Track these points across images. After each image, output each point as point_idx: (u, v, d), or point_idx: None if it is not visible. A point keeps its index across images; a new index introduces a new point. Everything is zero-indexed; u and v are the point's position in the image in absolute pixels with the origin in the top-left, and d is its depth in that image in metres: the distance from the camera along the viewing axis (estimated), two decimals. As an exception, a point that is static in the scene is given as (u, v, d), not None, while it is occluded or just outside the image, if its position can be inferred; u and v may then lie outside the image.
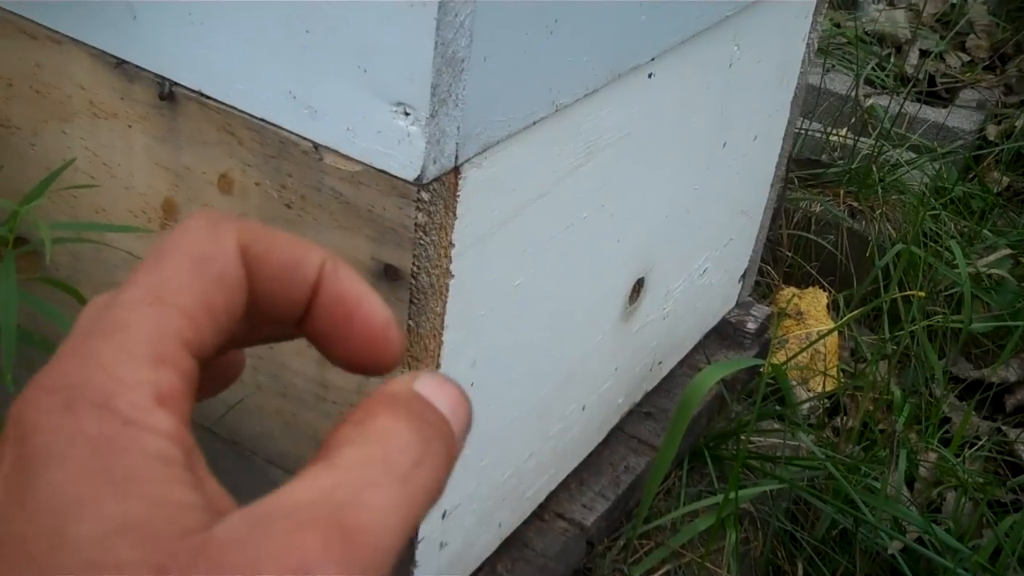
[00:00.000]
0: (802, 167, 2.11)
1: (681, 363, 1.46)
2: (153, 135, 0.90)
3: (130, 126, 0.91)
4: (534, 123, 0.88)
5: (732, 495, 1.30)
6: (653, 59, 1.00)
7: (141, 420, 0.27)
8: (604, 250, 1.08)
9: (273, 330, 0.34)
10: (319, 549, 0.26)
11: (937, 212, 2.05)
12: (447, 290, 0.86)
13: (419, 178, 0.78)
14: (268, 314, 0.33)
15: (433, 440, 0.30)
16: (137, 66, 0.88)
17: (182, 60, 0.86)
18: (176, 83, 0.87)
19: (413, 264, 0.82)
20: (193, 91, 0.86)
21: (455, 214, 0.83)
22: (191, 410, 0.29)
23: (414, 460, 0.29)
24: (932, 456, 1.65)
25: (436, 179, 0.80)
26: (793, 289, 1.92)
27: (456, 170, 0.81)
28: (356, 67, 0.77)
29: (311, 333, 0.33)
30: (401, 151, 0.78)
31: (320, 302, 0.32)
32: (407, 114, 0.77)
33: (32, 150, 0.98)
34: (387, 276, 0.83)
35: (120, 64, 0.89)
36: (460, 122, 0.79)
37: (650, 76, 1.01)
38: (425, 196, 0.80)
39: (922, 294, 1.83)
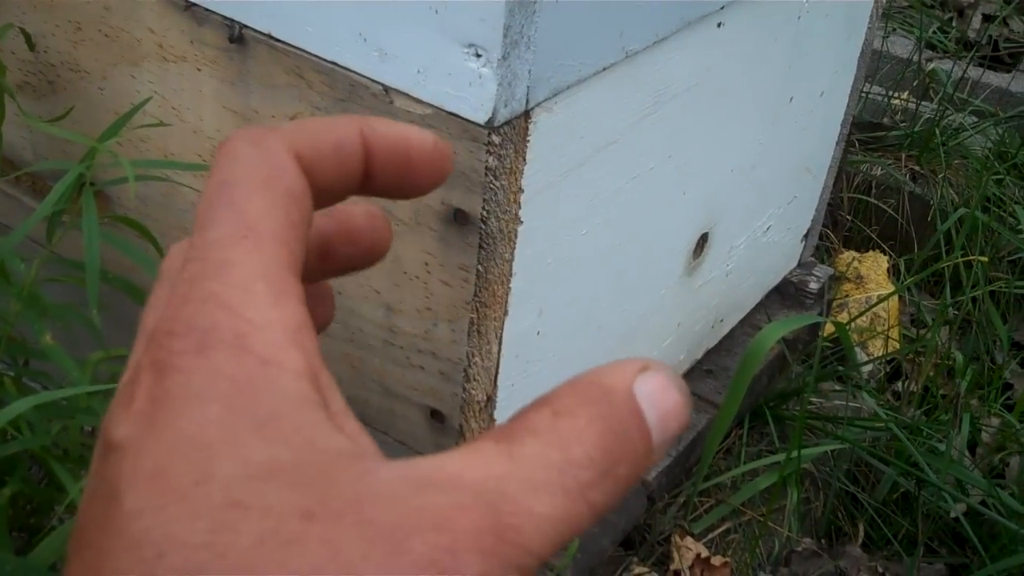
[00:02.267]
0: (863, 130, 2.08)
1: (742, 322, 1.45)
2: (222, 78, 0.90)
3: (199, 69, 0.91)
4: (604, 69, 0.87)
5: (795, 454, 1.29)
6: (723, 8, 0.99)
7: (277, 360, 0.27)
8: (670, 203, 1.08)
9: (342, 254, 0.34)
10: (470, 535, 0.25)
11: (1001, 177, 2.02)
12: (515, 236, 0.86)
13: (490, 121, 0.78)
14: (336, 197, 0.32)
15: (621, 463, 0.28)
16: (206, 9, 0.88)
17: (251, 2, 0.85)
18: (245, 26, 0.87)
19: (483, 208, 0.82)
20: (263, 34, 0.86)
21: (525, 159, 0.83)
22: (317, 337, 0.29)
23: (591, 479, 0.27)
24: (994, 421, 1.63)
25: (507, 122, 0.79)
26: (853, 253, 1.90)
27: (527, 114, 0.81)
28: (427, 8, 0.77)
29: (376, 190, 0.33)
30: (472, 93, 0.78)
31: (376, 160, 0.32)
32: (478, 56, 0.76)
33: (101, 94, 0.98)
34: (456, 220, 0.83)
35: (189, 7, 0.89)
36: (531, 65, 0.78)
37: (719, 25, 1.00)
38: (496, 139, 0.79)
39: (984, 259, 1.81)
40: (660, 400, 0.28)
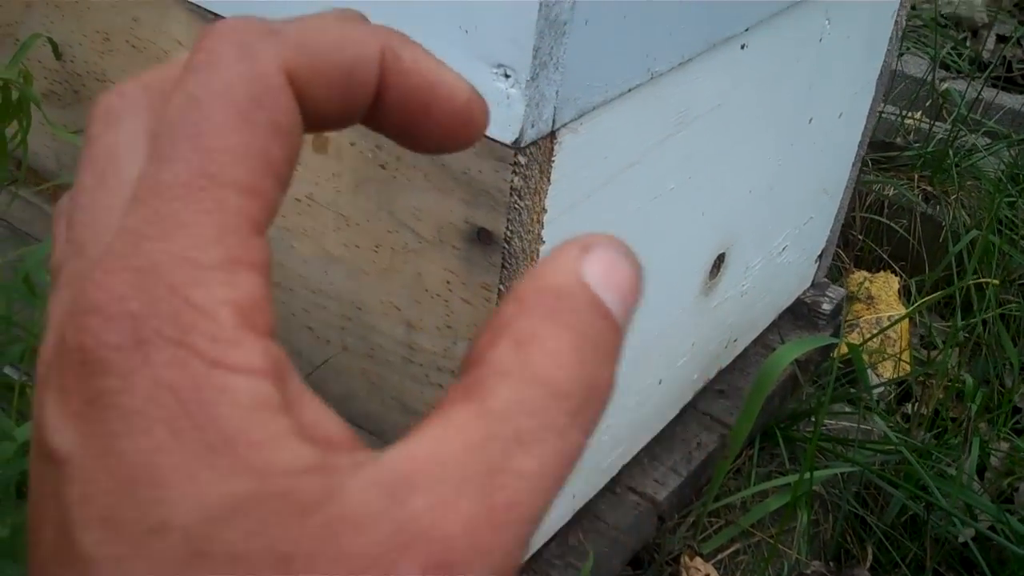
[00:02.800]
0: (876, 149, 2.08)
1: (755, 342, 1.45)
2: (248, 93, 0.90)
3: (225, 83, 0.91)
4: (629, 90, 0.87)
5: (806, 476, 1.29)
6: (747, 30, 0.99)
7: (227, 358, 0.23)
8: (689, 223, 1.08)
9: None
10: (465, 537, 0.22)
11: (1013, 199, 2.02)
12: (538, 256, 0.86)
13: (517, 141, 0.78)
14: (331, 126, 0.28)
15: (601, 370, 0.24)
16: (235, 23, 0.88)
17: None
18: (274, 41, 0.87)
19: (507, 228, 0.82)
20: (291, 49, 0.86)
21: (549, 179, 0.83)
22: (273, 308, 0.24)
23: (580, 403, 0.24)
24: (1003, 446, 1.63)
25: (533, 143, 0.79)
26: (864, 273, 1.90)
27: (552, 135, 0.81)
28: (457, 27, 0.77)
29: (384, 129, 0.28)
30: (500, 113, 0.78)
31: (389, 97, 0.28)
32: (507, 76, 0.76)
33: (125, 106, 0.99)
34: (480, 240, 0.83)
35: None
36: (559, 86, 0.78)
37: (743, 47, 1.00)
38: (522, 160, 0.79)
39: (996, 282, 1.81)
40: (613, 278, 0.25)
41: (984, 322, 1.79)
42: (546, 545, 1.15)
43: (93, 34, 0.97)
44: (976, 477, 1.54)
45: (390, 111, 0.28)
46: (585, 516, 1.20)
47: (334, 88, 0.26)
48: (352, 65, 0.27)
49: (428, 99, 0.28)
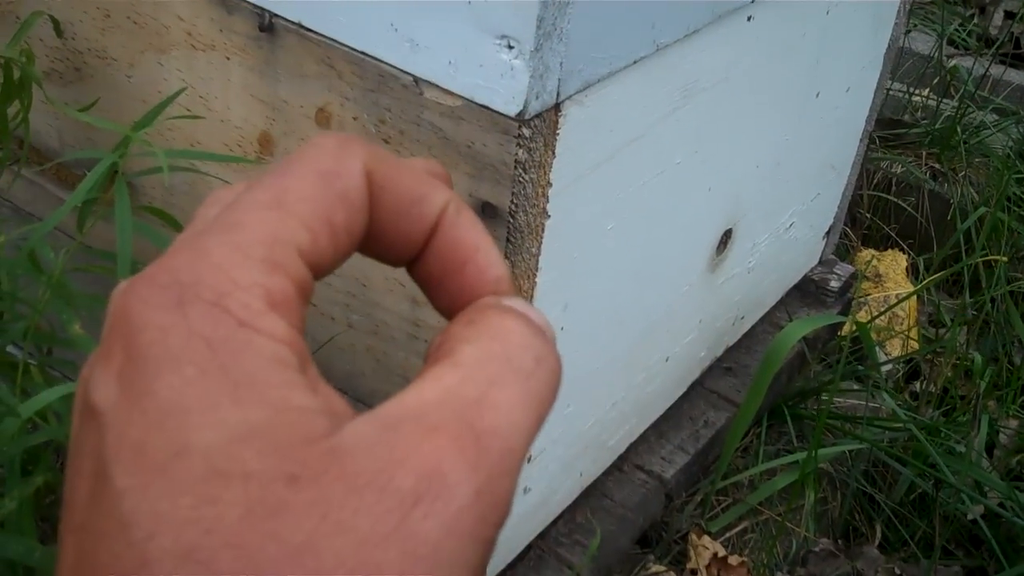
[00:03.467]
0: (883, 127, 2.07)
1: (762, 319, 1.44)
2: (251, 67, 0.89)
3: (228, 58, 0.90)
4: (635, 62, 0.86)
5: (814, 453, 1.28)
6: (753, 2, 0.98)
7: (254, 322, 0.26)
8: (695, 198, 1.07)
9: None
10: (452, 452, 0.25)
11: (1022, 176, 2.01)
12: (543, 230, 0.85)
13: (521, 113, 0.77)
14: (383, 246, 0.31)
15: (545, 347, 0.28)
16: (236, -2, 0.88)
17: None
18: (276, 15, 0.86)
19: (511, 202, 0.81)
20: (293, 23, 0.85)
21: (554, 152, 0.82)
22: (304, 319, 0.28)
23: (536, 356, 0.28)
24: (1012, 423, 1.62)
25: (537, 115, 0.79)
26: (872, 251, 1.90)
27: (557, 107, 0.80)
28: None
29: (420, 275, 0.32)
30: (504, 85, 0.77)
31: (435, 245, 0.31)
32: (511, 47, 0.76)
33: (128, 81, 0.98)
34: (485, 214, 0.83)
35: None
36: (563, 57, 0.78)
37: (749, 19, 1.00)
38: (526, 132, 0.78)
39: (1005, 259, 1.80)
40: (530, 311, 0.30)
41: (992, 299, 1.79)
42: (554, 523, 1.15)
43: (94, 11, 0.97)
44: (985, 454, 1.53)
45: (433, 257, 0.31)
46: (592, 494, 1.19)
47: (398, 206, 0.30)
48: (421, 197, 0.31)
49: (466, 260, 0.31)
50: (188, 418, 0.24)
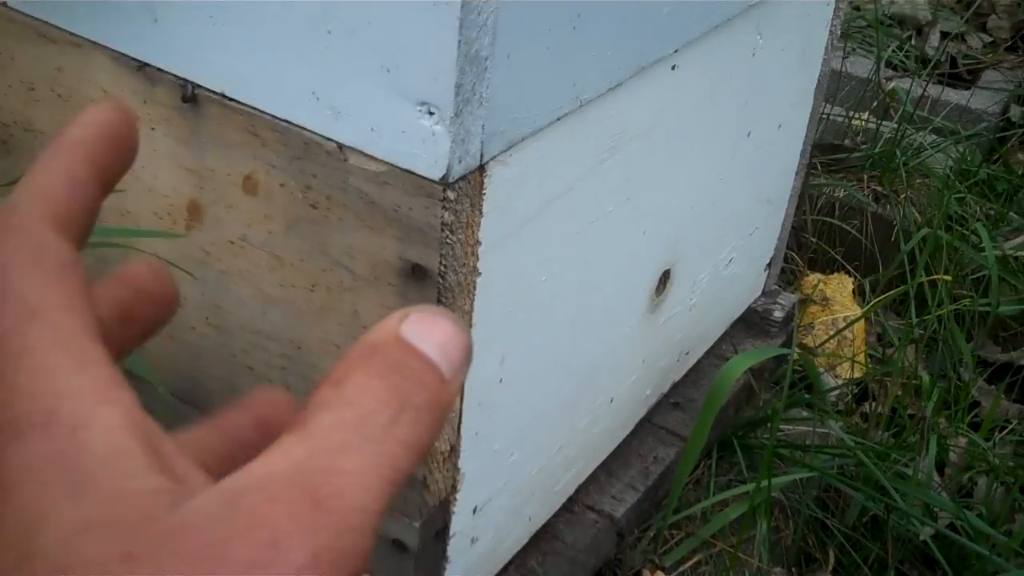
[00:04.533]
0: (825, 152, 2.09)
1: (708, 353, 1.45)
2: (176, 137, 0.90)
3: (153, 128, 0.90)
4: (558, 119, 0.87)
5: (764, 483, 1.29)
6: (677, 51, 0.99)
7: (87, 423, 0.27)
8: (630, 243, 1.08)
9: (140, 316, 0.35)
10: (287, 519, 0.25)
11: (962, 195, 2.03)
12: (474, 288, 0.86)
13: (445, 177, 0.78)
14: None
15: (413, 394, 0.28)
16: (159, 68, 0.88)
17: (204, 62, 0.85)
18: (198, 85, 0.86)
19: (440, 263, 0.82)
20: (216, 93, 0.86)
21: (481, 212, 0.83)
22: (134, 395, 0.29)
23: (390, 418, 0.28)
24: (962, 441, 1.64)
25: (462, 178, 0.79)
26: (818, 275, 1.91)
27: (481, 168, 0.81)
28: (379, 67, 0.77)
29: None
30: (426, 150, 0.78)
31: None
32: (431, 113, 0.76)
33: (56, 154, 0.98)
34: (414, 275, 0.83)
35: (142, 67, 0.89)
36: (485, 120, 0.78)
37: (674, 68, 1.01)
38: (451, 195, 0.79)
39: (948, 278, 1.82)
40: (429, 332, 0.29)
41: (939, 318, 1.80)
42: (504, 569, 1.15)
43: (17, 84, 0.97)
44: (936, 472, 1.54)
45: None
46: (543, 537, 1.19)
47: (81, 198, 0.32)
48: (74, 177, 0.32)
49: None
50: (30, 527, 0.25)
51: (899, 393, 1.67)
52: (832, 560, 1.46)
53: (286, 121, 0.83)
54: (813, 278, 1.89)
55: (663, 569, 1.32)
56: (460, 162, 0.78)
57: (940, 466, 1.58)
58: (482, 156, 0.80)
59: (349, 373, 0.28)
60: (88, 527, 0.25)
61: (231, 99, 0.85)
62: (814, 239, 2.00)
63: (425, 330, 0.29)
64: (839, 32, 1.34)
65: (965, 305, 1.87)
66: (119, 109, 0.34)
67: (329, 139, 0.82)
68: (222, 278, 0.94)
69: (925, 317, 1.80)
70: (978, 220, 1.98)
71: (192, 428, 0.35)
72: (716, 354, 1.46)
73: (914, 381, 1.70)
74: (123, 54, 0.89)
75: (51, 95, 0.95)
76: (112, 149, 0.33)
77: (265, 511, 0.25)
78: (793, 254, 1.95)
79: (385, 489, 0.27)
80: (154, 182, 0.93)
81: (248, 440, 0.36)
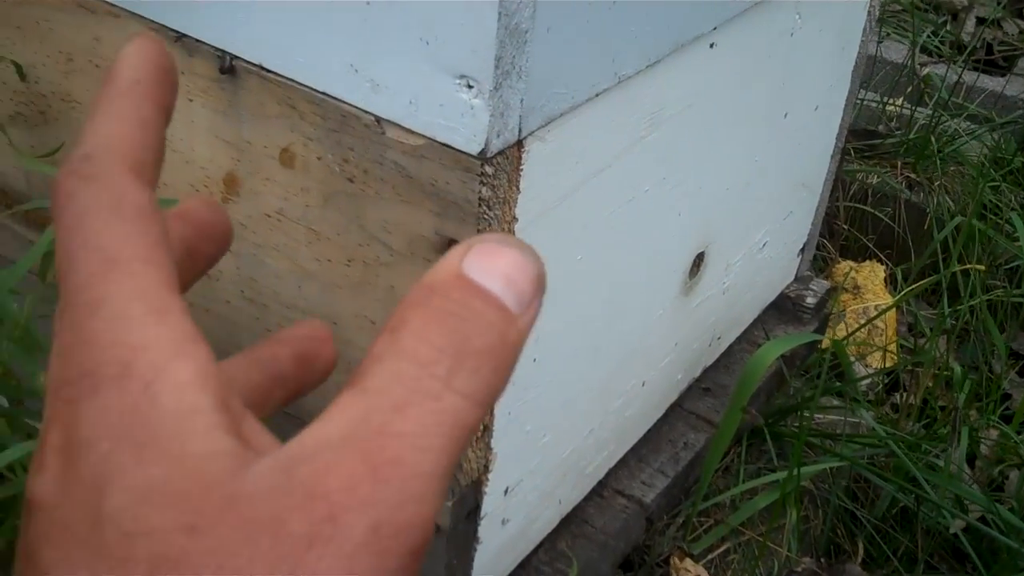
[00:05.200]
0: (858, 138, 2.08)
1: (740, 338, 1.44)
2: (214, 108, 0.89)
3: (190, 100, 0.90)
4: (596, 95, 0.86)
5: (794, 472, 1.28)
6: (715, 29, 0.98)
7: (160, 377, 0.27)
8: (665, 224, 1.07)
9: (202, 251, 0.36)
10: (343, 492, 0.25)
11: (997, 184, 2.01)
12: (510, 265, 0.85)
13: (483, 152, 0.77)
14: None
15: (474, 337, 0.27)
16: (197, 40, 0.87)
17: (242, 34, 0.85)
18: (236, 56, 0.86)
19: (477, 239, 0.81)
20: (254, 65, 0.85)
21: (519, 188, 0.82)
22: (209, 348, 0.28)
23: (448, 368, 0.26)
24: (993, 434, 1.63)
25: (500, 152, 0.79)
26: (850, 262, 1.90)
27: (519, 143, 0.80)
28: (418, 39, 0.76)
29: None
30: (464, 124, 0.77)
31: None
32: (470, 87, 0.75)
33: (91, 126, 0.98)
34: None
35: (180, 38, 0.88)
36: (523, 94, 0.78)
37: (712, 46, 1.00)
38: (489, 170, 0.78)
39: (982, 268, 1.81)
40: (492, 265, 0.27)
41: (971, 308, 1.79)
42: (534, 552, 1.14)
43: (56, 54, 0.96)
44: (966, 465, 1.53)
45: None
46: (573, 521, 1.19)
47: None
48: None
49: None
50: (102, 488, 0.25)
51: (930, 384, 1.65)
52: (861, 551, 1.44)
53: (324, 93, 0.83)
54: (844, 265, 1.88)
55: (691, 556, 1.31)
56: (498, 136, 0.77)
57: (970, 459, 1.57)
58: (520, 131, 0.79)
59: (405, 319, 0.27)
60: (152, 493, 0.25)
61: (269, 71, 0.85)
62: (846, 226, 1.99)
63: (488, 263, 0.27)
64: (877, 15, 1.32)
65: (998, 296, 1.85)
66: (156, 41, 0.33)
67: (367, 112, 0.81)
68: (258, 251, 0.93)
69: (958, 307, 1.79)
70: (1012, 209, 1.96)
71: (232, 360, 0.35)
72: (748, 340, 1.45)
73: (945, 372, 1.68)
74: (161, 24, 0.89)
75: (89, 66, 0.95)
76: (165, 83, 0.32)
77: (321, 482, 0.25)
78: (825, 241, 1.94)
79: (448, 449, 0.26)
80: (191, 154, 0.92)
81: (288, 374, 0.36)
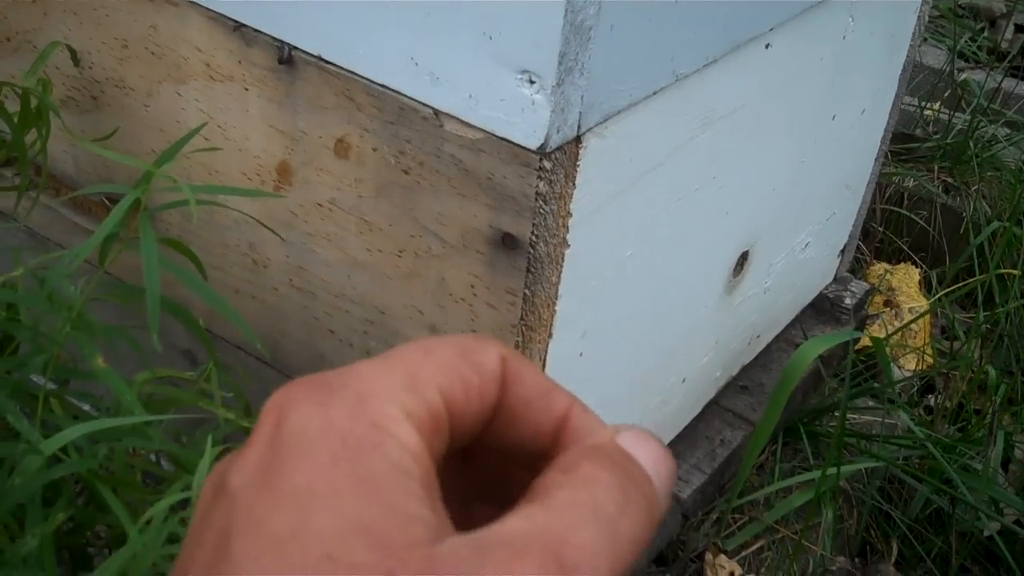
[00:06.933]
0: (895, 141, 2.07)
1: (777, 337, 1.44)
2: (269, 98, 0.90)
3: (247, 89, 0.90)
4: (654, 93, 0.86)
5: (831, 471, 1.28)
6: (771, 29, 0.98)
7: (388, 426, 0.29)
8: (713, 223, 1.07)
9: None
10: (537, 571, 0.27)
11: (1035, 189, 2.01)
12: (563, 259, 0.85)
13: (542, 147, 0.77)
14: (512, 433, 0.34)
15: (635, 493, 0.30)
16: (256, 29, 0.88)
17: (302, 24, 0.85)
18: (295, 47, 0.86)
19: (532, 233, 0.81)
20: (312, 55, 0.85)
21: (575, 184, 0.82)
22: (438, 451, 0.31)
23: (619, 508, 0.30)
24: (1027, 438, 1.62)
25: (558, 148, 0.79)
26: (885, 264, 1.89)
27: (578, 139, 0.80)
28: (481, 33, 0.76)
29: (490, 441, 0.34)
30: (525, 119, 0.77)
31: (560, 443, 0.33)
32: (532, 82, 0.76)
33: (146, 111, 0.98)
34: (505, 245, 0.83)
35: (238, 27, 0.89)
36: (584, 91, 0.78)
37: (767, 47, 1.00)
38: (547, 165, 0.79)
39: (1018, 273, 1.80)
40: (641, 448, 0.32)
41: (1007, 314, 1.78)
42: (571, 546, 1.14)
43: (111, 41, 0.97)
44: (1001, 470, 1.53)
45: (500, 420, 0.34)
46: (609, 516, 1.19)
47: (527, 397, 0.33)
48: (548, 391, 0.33)
49: (532, 401, 0.34)
50: (311, 502, 0.27)
51: (965, 388, 1.65)
52: (895, 552, 1.44)
53: (382, 86, 0.83)
54: (879, 267, 1.88)
55: (726, 553, 1.31)
56: (558, 132, 0.78)
57: (1004, 463, 1.57)
58: (579, 127, 0.80)
59: (577, 463, 0.31)
60: (363, 529, 0.27)
61: (327, 62, 0.85)
62: (881, 228, 1.98)
63: (639, 444, 0.32)
64: (927, 18, 1.32)
65: (1033, 301, 1.85)
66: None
67: (426, 105, 0.81)
68: (308, 240, 0.94)
69: (993, 312, 1.78)
70: (1050, 216, 1.95)
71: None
72: (785, 339, 1.45)
73: (980, 376, 1.68)
74: (220, 14, 0.89)
75: (144, 53, 0.95)
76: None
77: (515, 562, 0.27)
78: (860, 243, 1.93)
79: (616, 569, 0.29)
80: (245, 143, 0.93)
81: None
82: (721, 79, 0.95)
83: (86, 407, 0.92)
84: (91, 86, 1.01)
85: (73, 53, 0.99)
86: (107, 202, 1.08)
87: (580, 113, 0.79)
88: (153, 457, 0.93)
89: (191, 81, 0.94)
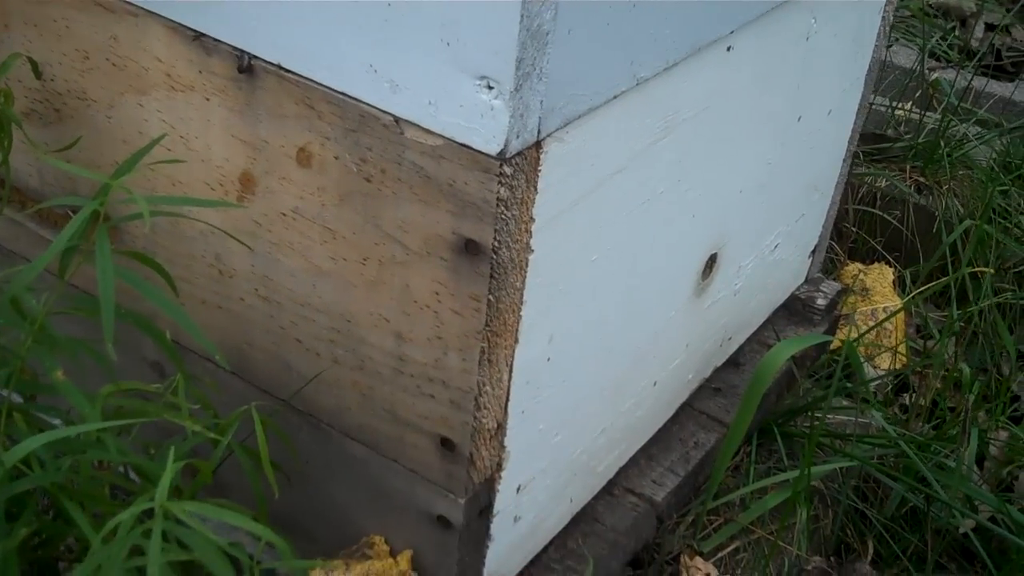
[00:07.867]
0: (867, 141, 2.08)
1: (750, 339, 1.44)
2: (231, 108, 0.89)
3: (208, 99, 0.90)
4: (615, 97, 0.87)
5: (806, 471, 1.29)
6: (732, 32, 0.99)
7: None
8: (679, 226, 1.07)
9: None
10: None
11: (1006, 188, 2.02)
12: (527, 265, 0.85)
13: (502, 152, 0.77)
14: None
15: None
16: (215, 39, 0.88)
17: (261, 33, 0.85)
18: (255, 56, 0.86)
19: (494, 239, 0.81)
20: (272, 64, 0.85)
21: (536, 189, 0.82)
22: None
23: None
24: (1002, 435, 1.63)
25: (519, 153, 0.79)
26: (858, 265, 1.90)
27: (538, 144, 0.81)
28: (439, 40, 0.76)
29: None
30: (484, 125, 0.77)
31: None
32: (490, 88, 0.76)
33: (108, 122, 0.98)
34: (468, 251, 0.83)
35: (198, 37, 0.88)
36: (543, 96, 0.78)
37: (729, 49, 1.00)
38: (507, 170, 0.79)
39: (991, 270, 1.81)
40: None
41: (980, 311, 1.79)
42: (545, 550, 1.15)
43: (72, 52, 0.97)
44: (976, 467, 1.53)
45: None
46: (583, 519, 1.19)
47: None
48: None
49: None
50: None
51: (939, 386, 1.65)
52: (871, 550, 1.45)
53: (342, 94, 0.83)
54: (853, 267, 1.88)
55: (701, 555, 1.31)
56: (518, 137, 0.78)
57: (980, 460, 1.57)
58: (539, 132, 0.80)
59: None
60: None
61: (287, 70, 0.85)
62: (855, 228, 1.99)
63: None
64: (891, 19, 1.32)
65: (1007, 299, 1.86)
66: None
67: (386, 112, 0.82)
68: (273, 250, 0.93)
69: (967, 310, 1.79)
70: (1021, 213, 1.96)
71: None
72: (758, 341, 1.45)
73: (955, 374, 1.68)
74: (180, 24, 0.89)
75: (105, 64, 0.95)
76: None
77: None
78: (834, 243, 1.94)
79: None
80: (207, 152, 0.93)
81: None
82: (683, 82, 0.95)
83: (56, 422, 0.92)
84: (53, 98, 1.01)
85: (34, 65, 0.99)
86: (72, 214, 1.08)
87: (540, 118, 0.79)
88: (122, 470, 0.93)
89: (153, 92, 0.94)
